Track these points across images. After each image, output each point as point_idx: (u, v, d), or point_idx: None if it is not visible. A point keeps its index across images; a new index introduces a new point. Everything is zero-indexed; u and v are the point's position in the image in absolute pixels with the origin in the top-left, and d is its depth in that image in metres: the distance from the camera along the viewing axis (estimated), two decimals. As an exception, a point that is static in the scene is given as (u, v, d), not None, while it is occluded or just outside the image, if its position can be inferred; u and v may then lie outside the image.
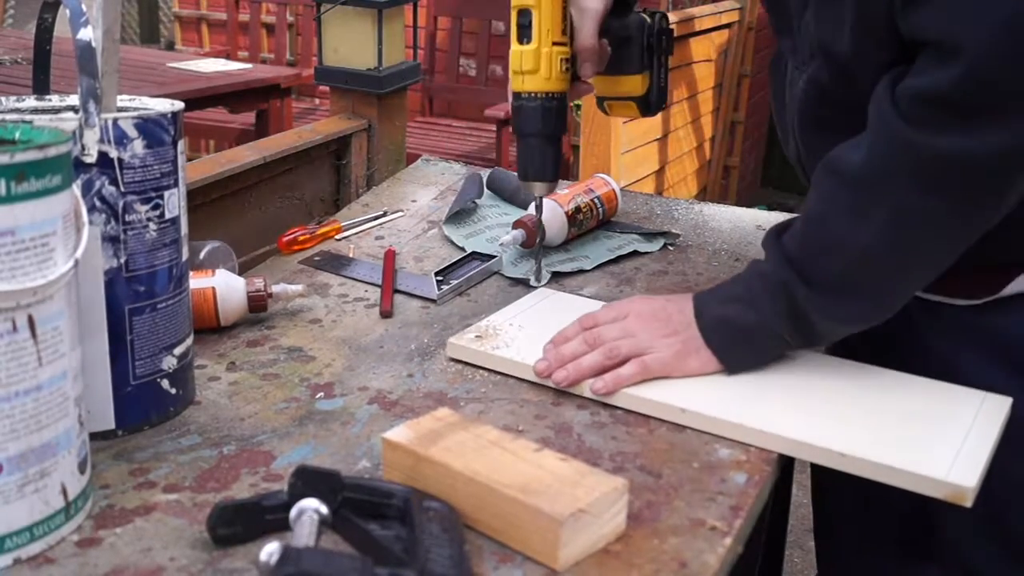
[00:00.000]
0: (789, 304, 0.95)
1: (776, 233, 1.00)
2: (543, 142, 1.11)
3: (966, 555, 1.15)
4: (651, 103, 1.16)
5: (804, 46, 1.02)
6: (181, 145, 0.90)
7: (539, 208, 1.18)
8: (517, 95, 1.09)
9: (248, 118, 3.56)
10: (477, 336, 1.06)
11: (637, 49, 1.13)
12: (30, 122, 0.80)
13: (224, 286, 1.10)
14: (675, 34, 3.53)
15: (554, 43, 1.06)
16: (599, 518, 0.74)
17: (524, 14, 1.06)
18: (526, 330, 1.08)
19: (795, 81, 1.05)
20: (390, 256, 1.31)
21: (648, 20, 1.12)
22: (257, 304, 1.12)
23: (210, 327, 1.10)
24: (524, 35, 1.06)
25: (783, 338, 0.98)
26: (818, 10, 0.97)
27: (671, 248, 1.39)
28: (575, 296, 1.20)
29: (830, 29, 0.95)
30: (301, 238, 1.36)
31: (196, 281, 1.06)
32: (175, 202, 0.89)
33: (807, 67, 1.02)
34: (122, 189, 0.85)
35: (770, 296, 0.96)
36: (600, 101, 1.19)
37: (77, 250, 0.75)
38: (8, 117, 0.85)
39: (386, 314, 1.17)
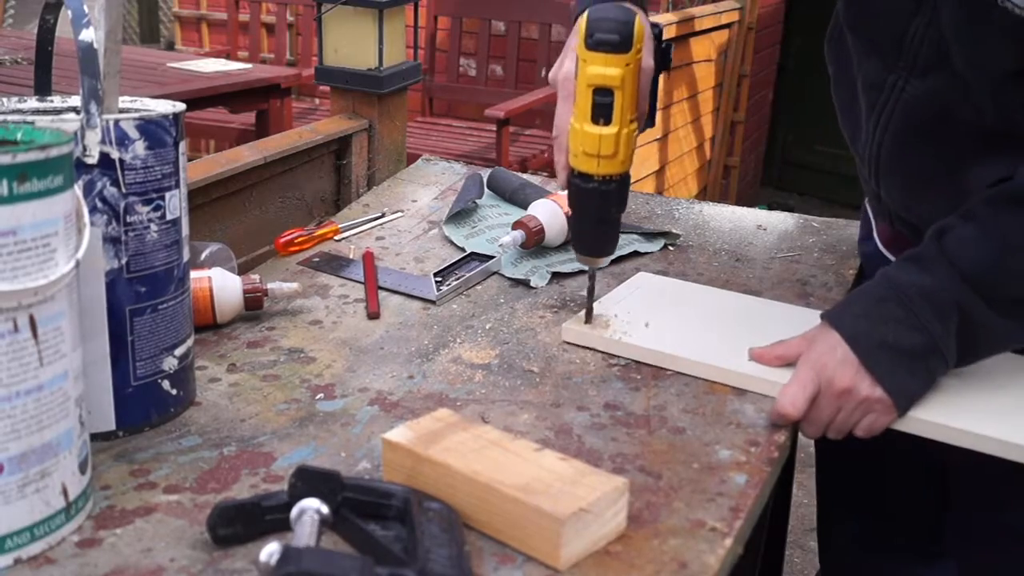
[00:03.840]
0: (963, 324, 0.93)
1: (938, 250, 0.95)
2: (614, 224, 1.05)
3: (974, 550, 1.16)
4: (645, 122, 1.09)
5: (914, 53, 0.99)
6: (182, 146, 0.90)
7: (592, 277, 1.10)
8: (586, 176, 1.00)
9: (248, 118, 3.55)
10: (586, 322, 1.11)
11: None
12: (32, 123, 0.80)
13: (220, 280, 1.10)
14: (675, 34, 3.51)
15: (630, 121, 0.99)
16: (600, 517, 0.74)
17: (605, 93, 0.96)
18: (637, 315, 1.13)
19: (895, 86, 1.02)
20: (369, 258, 1.31)
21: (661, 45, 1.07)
22: (253, 301, 1.13)
23: (206, 323, 1.10)
24: (602, 115, 0.96)
25: (945, 359, 0.95)
26: (960, 28, 0.93)
27: (671, 248, 1.39)
28: (673, 280, 1.26)
29: (980, 50, 0.92)
30: (298, 240, 1.36)
31: (192, 274, 1.06)
32: (176, 203, 0.89)
33: (921, 78, 0.99)
34: (123, 190, 0.85)
35: (939, 316, 0.93)
36: None
37: (78, 251, 0.75)
38: (10, 118, 0.85)
39: (373, 315, 1.17)
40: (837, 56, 1.16)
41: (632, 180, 1.06)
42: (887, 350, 0.94)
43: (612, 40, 0.94)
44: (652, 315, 1.13)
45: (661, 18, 3.33)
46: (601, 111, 0.97)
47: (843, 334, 0.96)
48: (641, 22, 0.96)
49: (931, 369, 0.95)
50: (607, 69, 0.95)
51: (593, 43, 0.95)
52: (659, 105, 3.41)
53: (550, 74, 1.07)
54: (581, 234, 1.07)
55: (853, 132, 1.13)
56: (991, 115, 0.95)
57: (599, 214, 1.04)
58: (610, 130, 0.97)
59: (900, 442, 1.27)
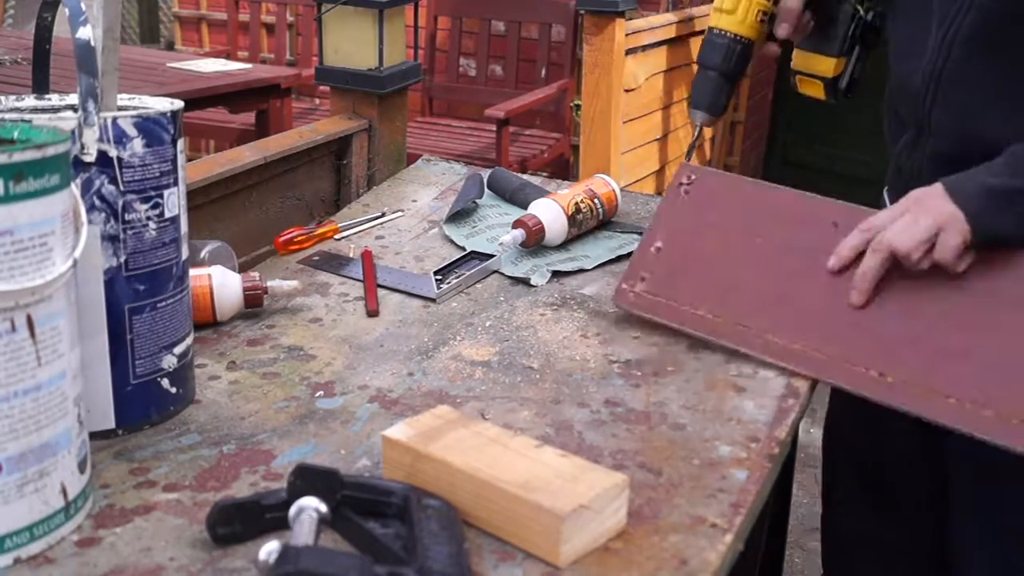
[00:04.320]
0: None
1: None
2: (719, 77, 1.18)
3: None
4: (839, 89, 1.21)
5: None
6: (181, 144, 0.90)
7: (695, 142, 1.24)
8: (710, 29, 1.17)
9: (248, 118, 3.55)
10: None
11: (841, 33, 1.18)
12: (29, 121, 0.80)
13: (220, 278, 1.10)
14: (675, 34, 3.51)
15: None
16: (600, 514, 0.74)
17: None
18: None
19: None
20: (368, 257, 1.31)
21: (860, 12, 1.18)
22: (253, 298, 1.12)
23: (207, 321, 1.10)
24: None
25: None
26: None
27: (671, 247, 1.39)
28: None
29: None
30: (298, 239, 1.36)
31: (192, 272, 1.06)
32: (175, 201, 0.89)
33: None
34: (121, 188, 0.84)
35: None
36: (792, 74, 1.25)
37: (76, 250, 0.75)
38: (7, 116, 0.85)
39: (373, 313, 1.16)
40: None
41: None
42: (979, 188, 0.98)
43: None
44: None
45: (661, 18, 3.33)
46: None
47: (945, 184, 1.00)
48: None
49: (1021, 216, 0.98)
50: None
51: None
52: (659, 105, 3.41)
53: None
54: (694, 84, 1.21)
55: (912, 61, 1.13)
56: None
57: (705, 61, 1.19)
58: None
59: (902, 444, 1.26)
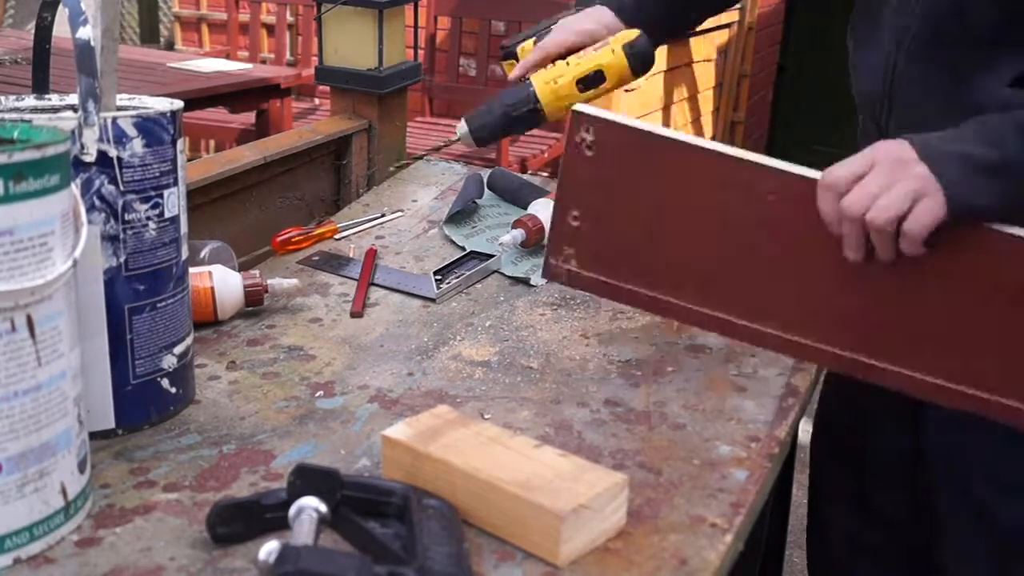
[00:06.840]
0: None
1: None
2: (504, 118, 1.19)
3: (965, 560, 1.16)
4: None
5: None
6: (180, 144, 0.90)
7: (445, 145, 1.30)
8: (527, 80, 1.18)
9: (248, 118, 3.55)
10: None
11: None
12: (29, 121, 0.80)
13: (221, 277, 1.10)
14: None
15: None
16: (600, 513, 0.74)
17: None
18: None
19: None
20: (370, 255, 1.31)
21: None
22: (254, 296, 1.13)
23: (208, 320, 1.10)
24: (591, 87, 1.18)
25: (1019, 182, 0.90)
26: None
27: (671, 247, 1.39)
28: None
29: None
30: (296, 239, 1.36)
31: (192, 271, 1.06)
32: (175, 201, 0.89)
33: None
34: (121, 188, 0.85)
35: (1020, 132, 0.89)
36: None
37: (76, 250, 0.75)
38: (7, 116, 0.85)
39: (356, 314, 1.16)
40: None
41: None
42: (956, 158, 0.89)
43: None
44: None
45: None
46: (589, 84, 1.17)
47: (913, 143, 0.90)
48: None
49: (1002, 192, 0.89)
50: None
51: None
52: (659, 105, 3.41)
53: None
54: (480, 108, 1.21)
55: (871, 61, 1.11)
56: (1007, 7, 0.94)
57: (503, 97, 1.19)
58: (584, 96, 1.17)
59: (885, 452, 1.26)
